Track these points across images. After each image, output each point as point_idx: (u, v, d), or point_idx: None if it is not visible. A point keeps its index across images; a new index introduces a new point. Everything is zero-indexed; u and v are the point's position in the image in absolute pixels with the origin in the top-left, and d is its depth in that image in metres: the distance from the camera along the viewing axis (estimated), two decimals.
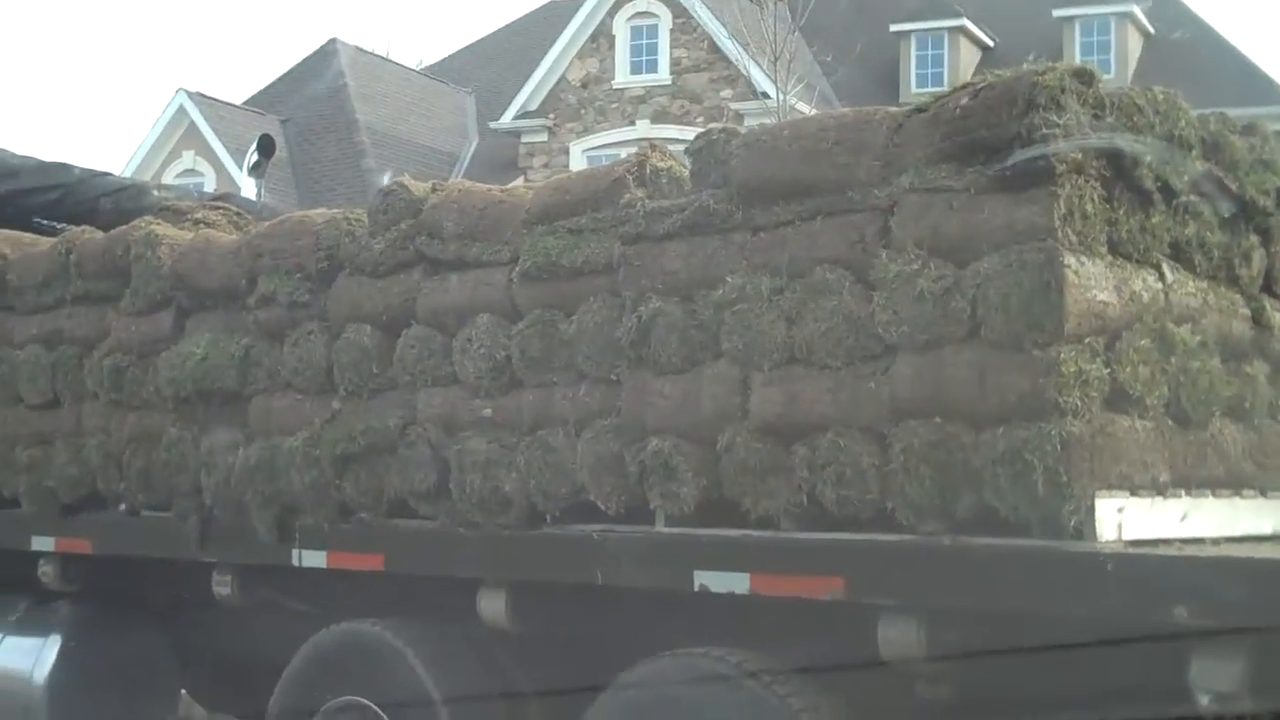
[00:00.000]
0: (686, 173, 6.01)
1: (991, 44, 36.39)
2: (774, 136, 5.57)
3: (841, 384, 5.24)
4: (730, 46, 32.71)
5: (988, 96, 4.99)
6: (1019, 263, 4.82)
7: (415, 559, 6.75)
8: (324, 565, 7.08)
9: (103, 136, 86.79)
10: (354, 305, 6.87)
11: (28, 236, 9.20)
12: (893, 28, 35.89)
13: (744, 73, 30.06)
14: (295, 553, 7.15)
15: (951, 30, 35.93)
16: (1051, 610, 4.83)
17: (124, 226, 8.21)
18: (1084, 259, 4.85)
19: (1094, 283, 4.86)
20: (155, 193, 11.40)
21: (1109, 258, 4.99)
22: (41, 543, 8.56)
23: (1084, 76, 4.98)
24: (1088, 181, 4.90)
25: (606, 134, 34.80)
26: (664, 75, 34.78)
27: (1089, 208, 4.88)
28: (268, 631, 7.68)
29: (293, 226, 7.29)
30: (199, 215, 8.78)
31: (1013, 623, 4.97)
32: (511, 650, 6.56)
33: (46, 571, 8.66)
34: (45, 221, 10.22)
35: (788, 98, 24.87)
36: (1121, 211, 5.05)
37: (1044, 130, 4.79)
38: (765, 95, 30.22)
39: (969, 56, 35.73)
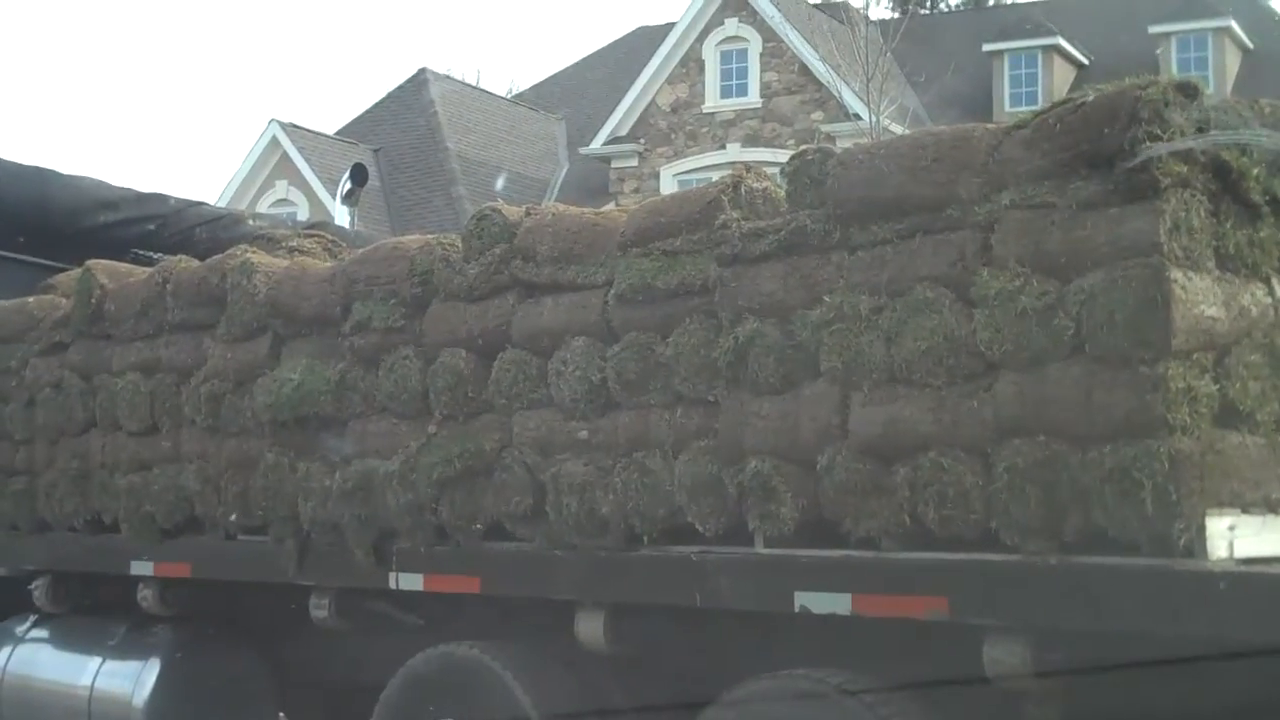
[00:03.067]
0: (782, 193, 5.97)
1: (1086, 62, 36.10)
2: (871, 155, 5.52)
3: (943, 403, 5.18)
4: (821, 69, 32.68)
5: (1090, 111, 4.92)
6: (1124, 278, 4.73)
7: (512, 581, 6.74)
8: (420, 588, 7.09)
9: (197, 167, 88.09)
10: (449, 330, 6.88)
11: (125, 267, 9.30)
12: (985, 47, 35.68)
13: (835, 95, 30.01)
14: (392, 575, 7.17)
15: (1045, 49, 35.67)
16: (1162, 630, 4.74)
17: (220, 255, 8.28)
18: (1191, 274, 4.76)
19: (1202, 297, 4.77)
20: (250, 222, 11.54)
21: (1216, 272, 4.90)
22: (141, 567, 8.64)
23: (1187, 90, 4.90)
24: (1194, 195, 4.82)
25: (697, 158, 34.81)
26: (754, 99, 34.74)
27: (1195, 221, 4.80)
28: (365, 654, 7.71)
29: (387, 253, 7.32)
30: (293, 243, 8.87)
31: (1121, 642, 4.88)
32: (609, 672, 6.53)
33: (146, 595, 8.75)
34: (142, 252, 10.35)
35: (880, 119, 24.71)
36: (1229, 225, 4.95)
37: (1148, 144, 4.71)
38: (857, 117, 30.20)
39: (1063, 75, 35.45)
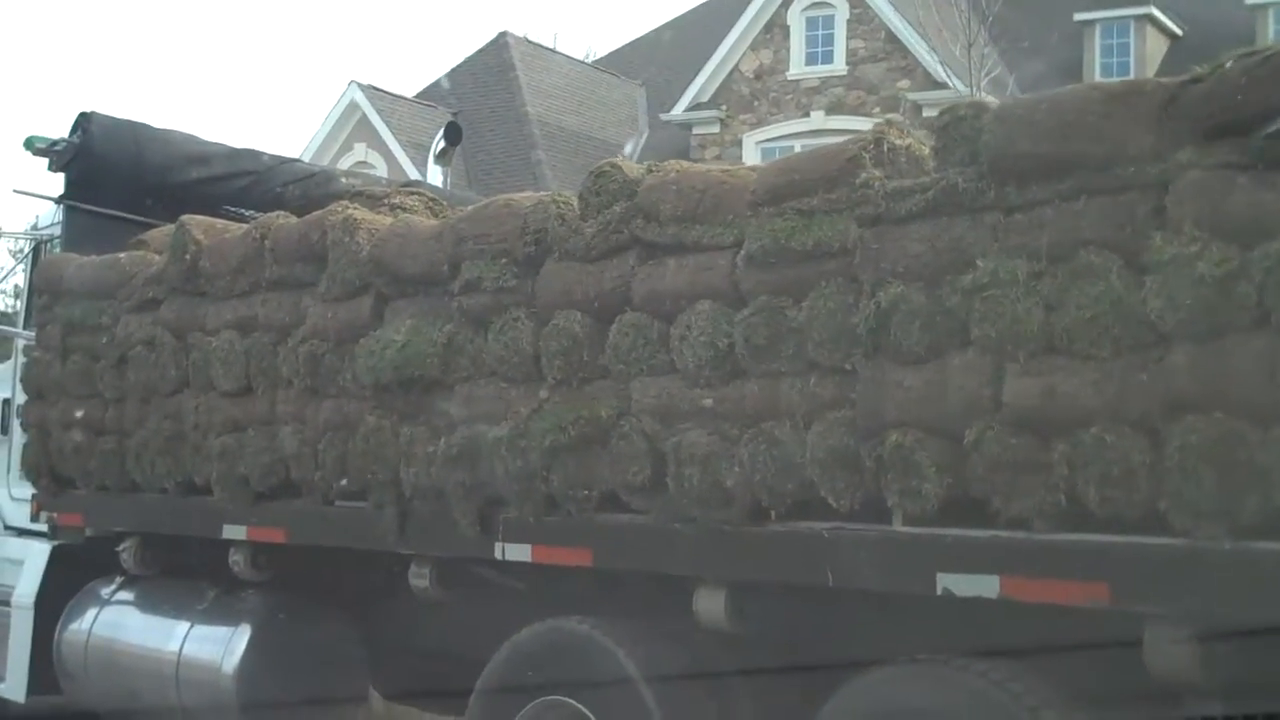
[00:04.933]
0: (926, 151, 5.64)
1: (1180, 33, 35.38)
2: (1031, 110, 5.16)
3: (1108, 375, 4.83)
4: (910, 36, 32.21)
5: (1277, 64, 4.56)
6: None
7: (627, 554, 6.45)
8: (528, 559, 6.82)
9: (276, 129, 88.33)
10: (563, 291, 6.59)
11: (220, 222, 9.12)
12: (1076, 17, 35.00)
13: (922, 63, 29.55)
14: (498, 546, 6.91)
15: (1138, 19, 34.91)
16: None
17: (320, 211, 8.04)
18: None
19: None
20: (343, 180, 11.32)
21: None
22: (233, 531, 8.46)
23: None
24: None
25: (781, 125, 34.36)
26: (839, 66, 34.20)
27: None
28: (465, 627, 7.49)
29: (498, 210, 7.04)
30: (395, 200, 8.60)
31: None
32: (730, 654, 6.23)
33: (237, 560, 8.59)
34: (234, 209, 10.17)
35: (979, 88, 24.26)
36: None
37: None
38: (944, 85, 29.73)
39: (1156, 46, 34.77)
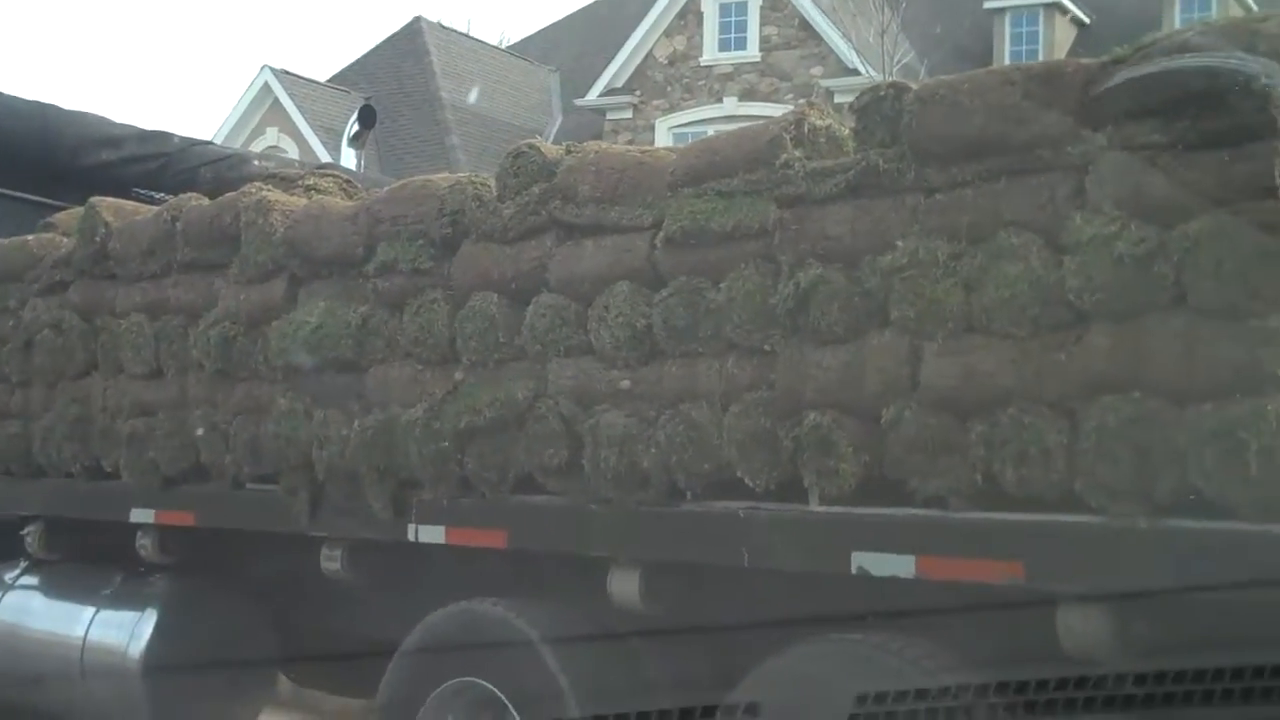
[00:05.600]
0: (847, 132, 5.63)
1: (1088, 21, 35.72)
2: (953, 91, 5.14)
3: (1026, 355, 4.84)
4: (823, 23, 32.34)
5: (1204, 41, 4.59)
6: (1235, 224, 4.40)
7: (541, 536, 6.42)
8: (442, 541, 6.77)
9: (187, 112, 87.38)
10: (480, 272, 6.53)
11: (130, 205, 8.99)
12: (986, 4, 35.26)
13: (835, 50, 29.68)
14: (411, 528, 6.85)
15: (1047, 6, 35.23)
16: (1264, 599, 4.42)
17: (233, 193, 7.94)
18: None
19: None
20: (256, 162, 11.22)
21: None
22: (141, 515, 8.35)
23: None
24: None
25: (693, 111, 34.45)
26: (753, 52, 34.32)
27: None
28: (377, 610, 7.43)
29: (414, 191, 6.97)
30: (309, 182, 8.49)
31: (1215, 611, 4.58)
32: (643, 635, 6.20)
33: (145, 544, 8.47)
34: (145, 191, 10.05)
35: (891, 74, 24.42)
36: None
37: (1265, 80, 4.38)
38: (856, 72, 29.90)
39: (1064, 34, 35.11)
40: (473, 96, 34.85)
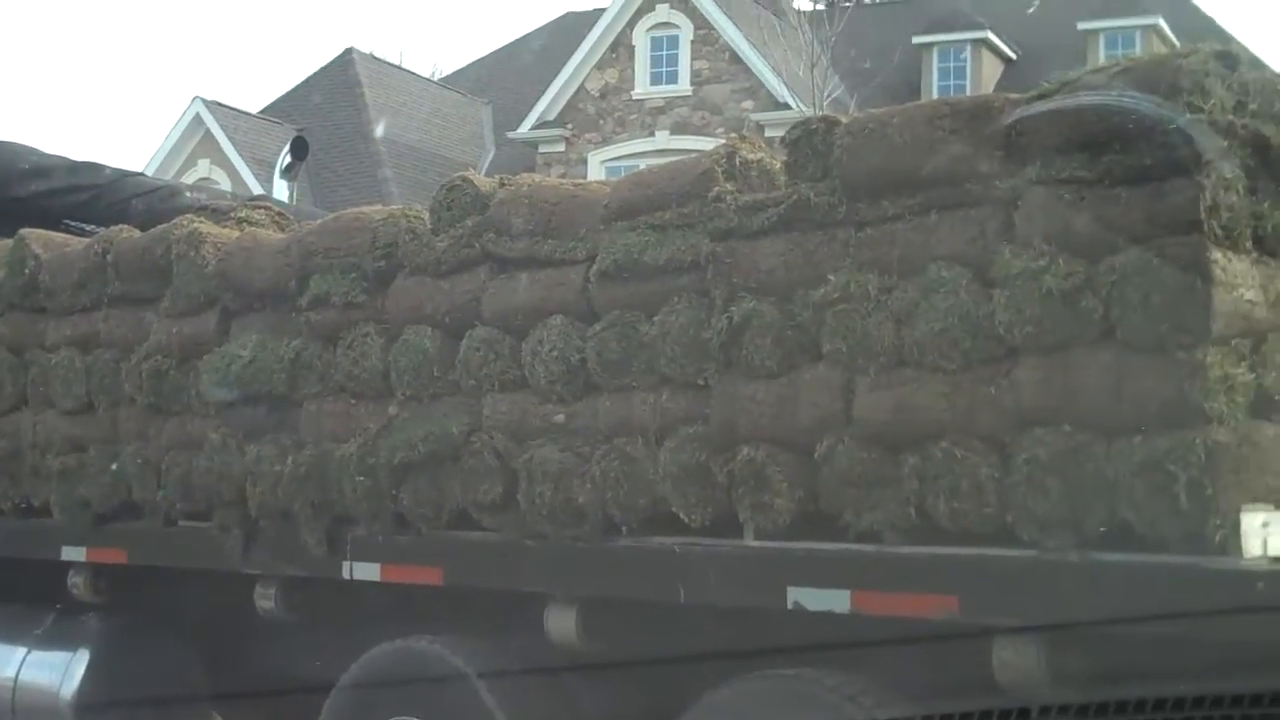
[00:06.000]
0: (778, 165, 5.66)
1: (1014, 56, 36.12)
2: (882, 125, 5.19)
3: (958, 389, 4.88)
4: (753, 57, 32.53)
5: (1125, 81, 4.65)
6: (1161, 258, 4.46)
7: (477, 572, 6.39)
8: (377, 578, 6.73)
9: (117, 143, 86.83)
10: (414, 306, 6.52)
11: (60, 237, 8.88)
12: (915, 40, 35.57)
13: (766, 84, 29.86)
14: (346, 565, 6.81)
15: (974, 42, 35.65)
16: (1193, 632, 4.47)
17: (164, 225, 7.87)
18: (1230, 255, 4.50)
19: (1240, 280, 4.51)
20: (188, 194, 11.12)
21: (1254, 254, 4.63)
22: (72, 553, 8.23)
23: (1227, 60, 4.65)
24: (1233, 171, 4.54)
25: (626, 144, 34.54)
26: (684, 86, 34.48)
27: (1235, 200, 4.53)
28: (313, 648, 7.36)
29: (347, 224, 6.95)
30: (241, 214, 8.44)
31: (1146, 645, 4.61)
32: (581, 672, 6.19)
33: (76, 583, 8.34)
34: (75, 223, 9.94)
35: (820, 108, 24.58)
36: (1267, 205, 4.68)
37: (1190, 116, 4.44)
38: (786, 106, 30.09)
39: (991, 69, 35.48)
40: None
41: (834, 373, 5.19)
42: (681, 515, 5.58)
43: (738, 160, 5.68)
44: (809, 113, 25.28)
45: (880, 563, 5.10)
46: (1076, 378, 4.64)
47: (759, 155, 5.73)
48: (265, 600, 7.33)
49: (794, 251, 5.34)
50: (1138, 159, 4.54)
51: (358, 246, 6.72)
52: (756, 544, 5.43)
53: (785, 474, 5.27)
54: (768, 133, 29.64)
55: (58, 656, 8.49)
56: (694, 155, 5.98)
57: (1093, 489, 4.59)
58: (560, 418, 5.97)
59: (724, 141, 5.90)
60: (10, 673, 8.58)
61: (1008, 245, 4.80)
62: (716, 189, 5.59)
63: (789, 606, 5.31)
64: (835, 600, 5.20)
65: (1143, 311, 4.50)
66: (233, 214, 8.34)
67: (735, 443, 5.40)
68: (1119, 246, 4.57)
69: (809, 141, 5.41)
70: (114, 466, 7.73)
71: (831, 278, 5.19)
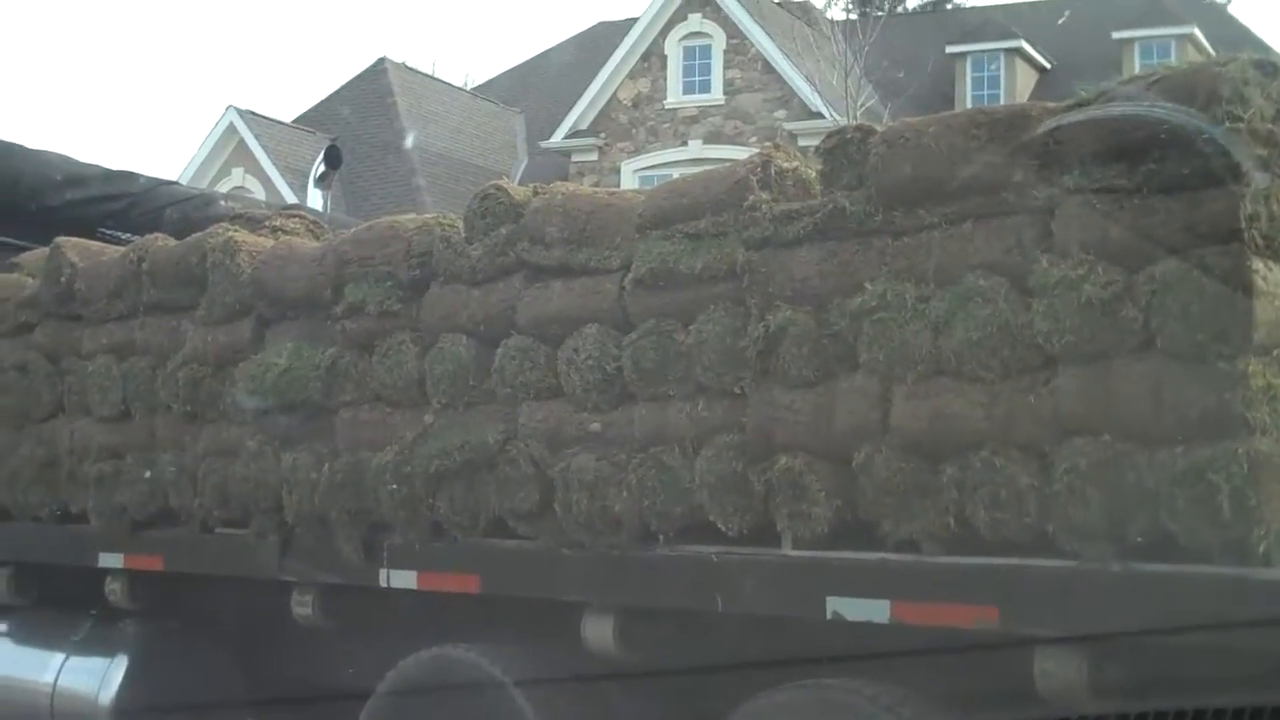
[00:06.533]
0: (813, 174, 5.66)
1: (1049, 66, 35.99)
2: (919, 134, 5.18)
3: (996, 398, 4.86)
4: (786, 67, 32.50)
5: (1163, 89, 4.62)
6: (1201, 267, 4.44)
7: (514, 580, 6.39)
8: (414, 586, 6.73)
9: (152, 152, 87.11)
10: (449, 314, 6.53)
11: (96, 245, 8.91)
12: (948, 49, 35.50)
13: (799, 93, 29.83)
14: (383, 573, 6.82)
15: (1008, 52, 35.53)
16: (1237, 643, 4.45)
17: (199, 234, 7.91)
18: (1271, 264, 4.47)
19: None
20: (223, 203, 11.16)
21: None
22: (109, 559, 8.26)
23: (1266, 68, 4.62)
24: (1274, 180, 4.52)
25: (658, 154, 34.51)
26: (717, 95, 34.44)
27: (1275, 209, 4.50)
28: (349, 656, 7.36)
29: (382, 232, 6.96)
30: (275, 223, 8.47)
31: (1189, 656, 4.59)
32: (618, 680, 6.18)
33: (114, 589, 8.37)
34: (110, 232, 9.97)
35: (855, 117, 24.55)
36: None
37: (1228, 125, 4.41)
38: (819, 115, 30.04)
39: (1025, 79, 35.35)
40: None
41: (871, 381, 5.18)
42: (719, 524, 5.57)
43: (773, 169, 5.67)
44: (842, 122, 25.34)
45: (920, 573, 5.09)
46: (1116, 387, 4.62)
47: (794, 164, 5.73)
48: (302, 607, 7.34)
49: (830, 260, 5.33)
50: (1176, 168, 4.52)
51: (392, 255, 6.74)
52: (795, 553, 5.43)
53: (823, 483, 5.26)
54: (801, 142, 29.58)
55: (96, 663, 8.52)
56: (729, 164, 5.97)
57: (1134, 499, 4.56)
58: (596, 426, 5.97)
59: (758, 150, 5.87)
60: (49, 679, 8.62)
61: (1045, 254, 4.78)
62: (752, 198, 5.59)
63: (828, 616, 5.29)
64: (874, 610, 5.19)
65: (1183, 321, 4.48)
66: (267, 222, 8.37)
67: (772, 452, 5.39)
68: (1158, 256, 4.55)
69: (844, 150, 5.40)
70: (148, 474, 7.75)
71: (868, 286, 5.18)
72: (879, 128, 5.41)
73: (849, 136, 5.43)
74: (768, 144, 6.24)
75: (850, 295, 5.23)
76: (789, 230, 5.44)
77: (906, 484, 5.05)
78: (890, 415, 5.12)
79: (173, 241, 8.10)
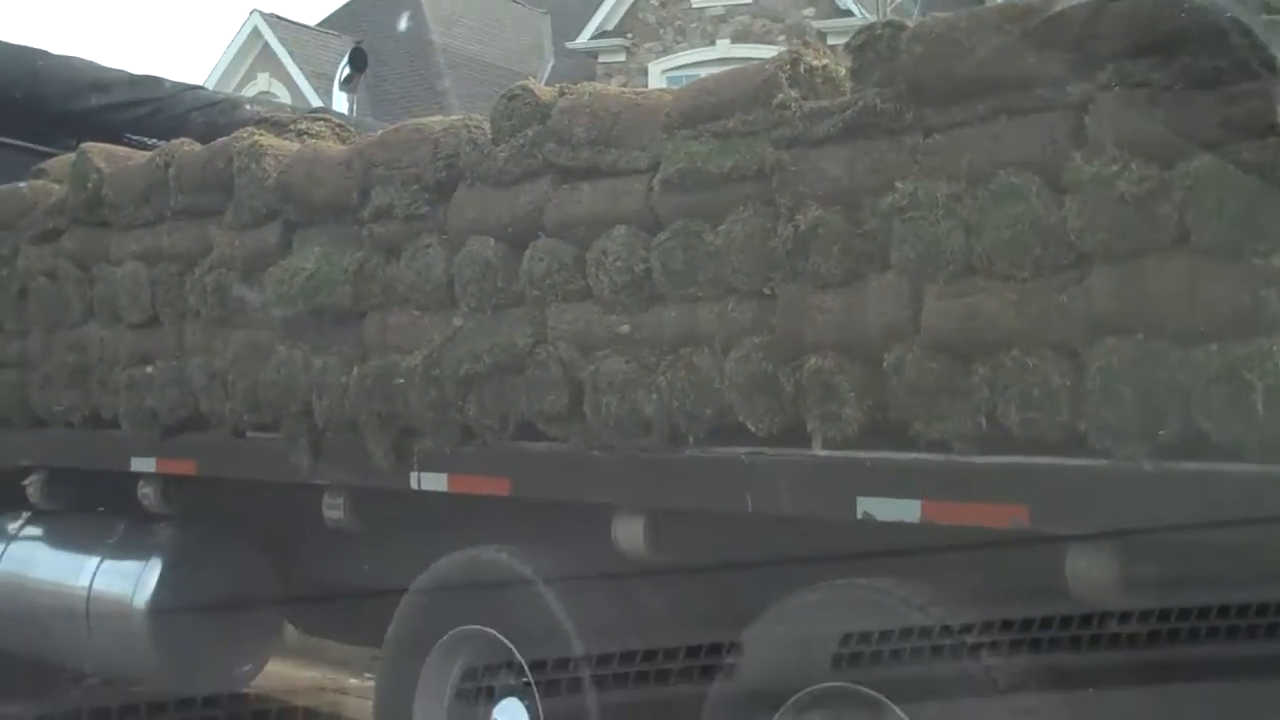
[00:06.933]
0: (843, 72, 5.58)
1: None
2: (950, 29, 5.08)
3: (1028, 297, 4.80)
4: None
5: None
6: (1237, 163, 4.36)
7: (545, 483, 6.39)
8: (445, 489, 6.74)
9: (175, 58, 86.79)
10: (476, 217, 6.49)
11: (122, 150, 8.92)
12: None
13: None
14: (414, 475, 6.82)
15: None
16: (1271, 540, 4.41)
17: (225, 138, 7.88)
18: None
19: None
20: (248, 107, 11.14)
21: None
22: (142, 464, 8.31)
23: None
24: None
25: (686, 54, 34.18)
26: None
27: None
28: (381, 558, 7.41)
29: (408, 135, 6.91)
30: (301, 126, 8.43)
31: (1222, 555, 4.57)
32: (649, 581, 6.20)
33: (146, 493, 8.43)
34: (136, 137, 9.97)
35: (882, 17, 24.27)
36: None
37: (1265, 18, 4.33)
38: (848, 13, 29.76)
39: None
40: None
41: (902, 281, 5.12)
42: (748, 425, 5.54)
43: (802, 67, 5.58)
44: (872, 19, 25.07)
45: (950, 472, 5.05)
46: (1150, 285, 4.55)
47: (823, 62, 5.63)
48: (334, 510, 7.37)
49: (860, 159, 5.26)
50: (1212, 61, 4.44)
51: (419, 158, 6.69)
52: (825, 453, 5.39)
53: (853, 383, 5.22)
54: (830, 40, 29.32)
55: (130, 566, 8.60)
56: (757, 62, 5.89)
57: (1167, 397, 4.51)
58: (625, 328, 5.94)
59: (786, 49, 5.80)
60: (84, 582, 8.70)
61: (1079, 151, 4.71)
62: (781, 96, 5.50)
63: (858, 516, 5.28)
64: (905, 510, 5.16)
65: (1218, 217, 4.40)
66: (293, 126, 8.33)
67: (802, 352, 5.35)
68: (1193, 151, 4.48)
69: (874, 47, 5.31)
70: (180, 378, 7.77)
71: (899, 185, 5.10)
72: (909, 24, 5.32)
73: (879, 33, 5.34)
74: (797, 41, 6.15)
75: (881, 194, 5.15)
76: (819, 129, 5.36)
77: (938, 384, 5.00)
78: (921, 315, 5.07)
79: (199, 146, 8.08)
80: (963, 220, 4.95)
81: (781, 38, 31.34)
